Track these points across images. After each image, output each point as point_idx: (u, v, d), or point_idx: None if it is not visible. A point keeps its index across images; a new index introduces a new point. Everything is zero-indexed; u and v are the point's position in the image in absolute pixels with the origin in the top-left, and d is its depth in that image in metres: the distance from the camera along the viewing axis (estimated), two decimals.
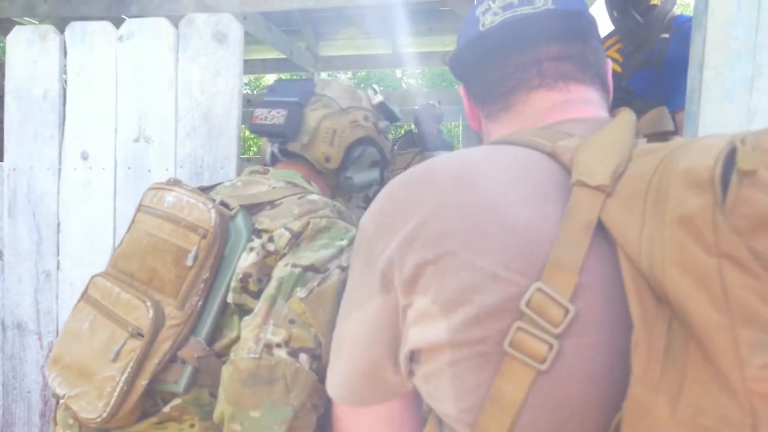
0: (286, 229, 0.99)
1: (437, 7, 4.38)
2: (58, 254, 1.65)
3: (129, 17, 4.19)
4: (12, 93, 1.65)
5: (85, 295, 1.12)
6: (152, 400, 1.01)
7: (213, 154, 1.53)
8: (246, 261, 0.98)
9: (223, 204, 1.05)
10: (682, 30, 2.12)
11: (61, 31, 1.65)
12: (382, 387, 0.63)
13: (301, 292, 0.92)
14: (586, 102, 0.69)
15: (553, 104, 0.68)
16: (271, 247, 0.98)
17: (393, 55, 5.08)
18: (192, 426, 0.99)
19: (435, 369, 0.55)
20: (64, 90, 1.65)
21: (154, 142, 1.56)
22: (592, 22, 0.72)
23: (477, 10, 0.73)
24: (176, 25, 1.55)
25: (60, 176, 1.63)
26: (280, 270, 0.95)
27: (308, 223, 0.99)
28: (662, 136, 0.59)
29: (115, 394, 0.94)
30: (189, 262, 0.97)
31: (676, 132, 0.62)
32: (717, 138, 0.48)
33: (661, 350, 0.44)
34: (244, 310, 0.98)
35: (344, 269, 0.96)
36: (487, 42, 0.70)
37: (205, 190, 1.16)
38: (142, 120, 1.57)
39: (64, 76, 1.65)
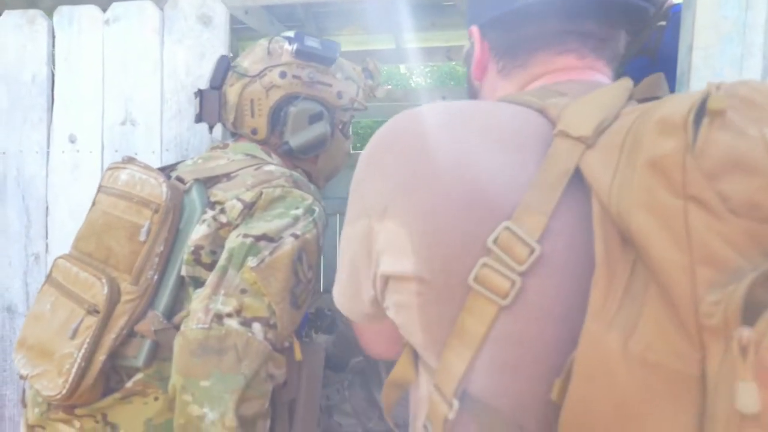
0: (239, 200, 0.98)
1: (440, 1, 4.37)
2: (46, 237, 1.66)
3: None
4: (1, 78, 1.66)
5: (49, 277, 1.13)
6: (117, 376, 1.01)
7: (199, 137, 1.54)
8: (198, 233, 0.98)
9: (179, 179, 1.05)
10: (677, 17, 2.10)
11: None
12: (367, 308, 0.66)
13: (252, 261, 0.91)
14: (594, 70, 0.68)
15: (564, 66, 0.67)
16: (223, 218, 0.98)
17: (396, 50, 5.07)
18: (156, 399, 0.99)
19: (404, 299, 0.57)
20: (53, 74, 1.66)
21: (140, 125, 1.57)
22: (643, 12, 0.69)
23: None
24: (162, 9, 1.55)
25: (48, 159, 1.64)
26: (232, 241, 0.95)
27: (261, 193, 0.98)
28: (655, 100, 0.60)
29: (73, 370, 0.95)
30: (142, 237, 0.98)
31: None
32: (694, 92, 0.47)
33: (621, 290, 0.44)
34: (198, 283, 0.98)
35: (298, 237, 0.95)
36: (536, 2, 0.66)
37: (165, 168, 1.16)
38: (129, 103, 1.57)
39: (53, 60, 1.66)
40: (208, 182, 1.05)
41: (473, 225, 0.52)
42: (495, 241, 0.50)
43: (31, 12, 1.65)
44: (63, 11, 1.62)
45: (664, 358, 0.41)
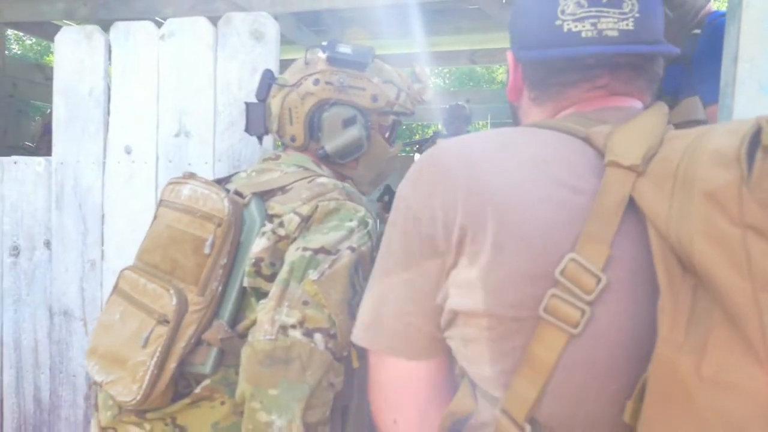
0: (296, 213, 1.02)
1: (465, 6, 4.39)
2: (102, 244, 1.72)
3: (163, 20, 4.28)
4: (60, 91, 1.73)
5: (116, 288, 1.19)
6: (186, 381, 1.06)
7: (251, 148, 1.59)
8: (258, 246, 1.02)
9: (237, 193, 1.09)
10: (714, 25, 2.10)
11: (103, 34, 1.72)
12: (421, 344, 0.66)
13: (313, 275, 0.95)
14: (628, 96, 0.70)
15: (596, 96, 0.69)
16: (281, 231, 1.02)
17: (422, 54, 5.09)
18: (222, 403, 1.04)
19: (473, 332, 0.59)
20: (109, 87, 1.72)
21: (193, 136, 1.62)
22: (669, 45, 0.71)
23: None
24: (215, 24, 1.61)
25: (104, 170, 1.70)
26: (291, 254, 0.98)
27: (317, 207, 1.02)
28: (692, 125, 0.63)
29: (147, 377, 1.00)
30: (206, 250, 1.02)
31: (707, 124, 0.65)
32: (744, 121, 0.50)
33: (686, 315, 0.47)
34: (260, 293, 1.02)
35: (354, 250, 0.99)
36: (569, 38, 0.67)
37: (221, 181, 1.21)
38: (183, 115, 1.63)
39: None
40: (265, 195, 1.08)
41: (540, 258, 0.55)
42: (562, 273, 0.53)
43: (89, 28, 1.71)
44: (119, 27, 1.68)
45: (738, 379, 0.43)
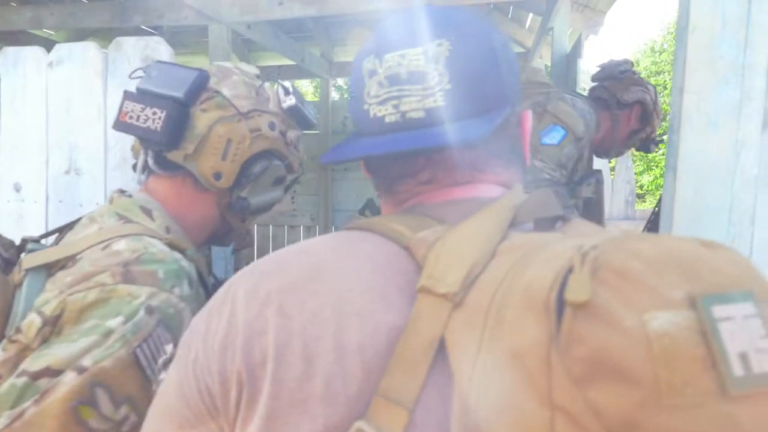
0: (38, 313, 0.74)
1: (450, 10, 4.20)
2: None
3: (132, 27, 4.16)
4: None
5: None
6: None
7: None
8: None
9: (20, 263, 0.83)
10: None
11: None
12: None
13: (3, 418, 0.66)
14: (474, 182, 0.57)
15: (430, 190, 0.57)
16: (21, 338, 0.73)
17: None
18: None
19: None
20: None
21: (84, 174, 1.48)
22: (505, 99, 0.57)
23: (363, 64, 0.57)
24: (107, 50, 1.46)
25: None
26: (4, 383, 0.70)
27: (65, 305, 0.74)
28: (552, 221, 0.49)
29: None
30: None
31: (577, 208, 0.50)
32: (569, 244, 0.38)
33: None
34: None
35: (83, 370, 0.70)
36: (376, 125, 0.56)
37: (63, 229, 0.95)
38: (73, 151, 1.49)
39: None
40: (53, 267, 0.81)
41: (328, 417, 0.43)
42: None
43: None
44: (8, 53, 1.54)
45: None
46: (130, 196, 0.94)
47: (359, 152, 0.56)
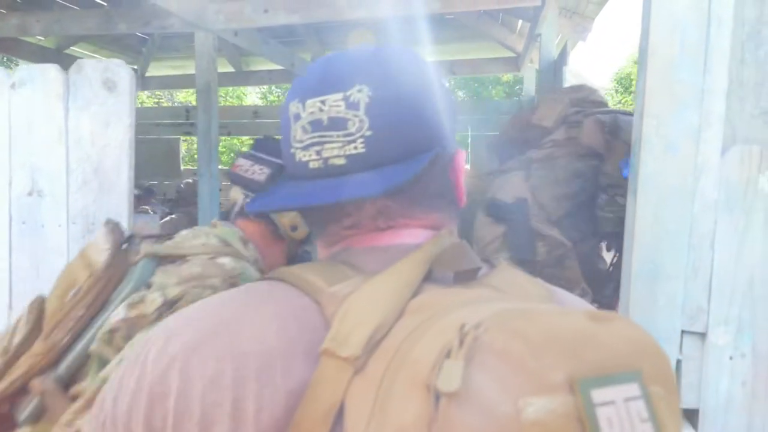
0: (162, 294, 0.91)
1: (442, 16, 4.19)
2: None
3: (117, 35, 4.16)
4: None
5: None
6: (9, 423, 0.98)
7: (105, 210, 1.43)
8: (117, 315, 0.91)
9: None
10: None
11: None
12: None
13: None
14: (398, 227, 0.56)
15: (355, 234, 0.56)
16: (141, 308, 0.90)
17: None
18: None
19: None
20: None
21: (46, 196, 1.48)
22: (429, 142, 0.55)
23: (290, 107, 0.57)
24: (68, 72, 1.46)
25: None
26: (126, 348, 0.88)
27: (184, 294, 0.91)
28: (472, 272, 0.49)
29: None
30: (68, 297, 0.95)
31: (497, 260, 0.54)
32: (465, 316, 0.38)
33: None
34: (102, 362, 0.91)
35: None
36: (300, 170, 0.55)
37: (161, 237, 1.13)
38: (35, 172, 1.48)
39: None
40: (163, 260, 0.99)
41: None
42: None
43: None
44: None
45: None
46: (216, 225, 1.12)
47: (280, 204, 0.56)
